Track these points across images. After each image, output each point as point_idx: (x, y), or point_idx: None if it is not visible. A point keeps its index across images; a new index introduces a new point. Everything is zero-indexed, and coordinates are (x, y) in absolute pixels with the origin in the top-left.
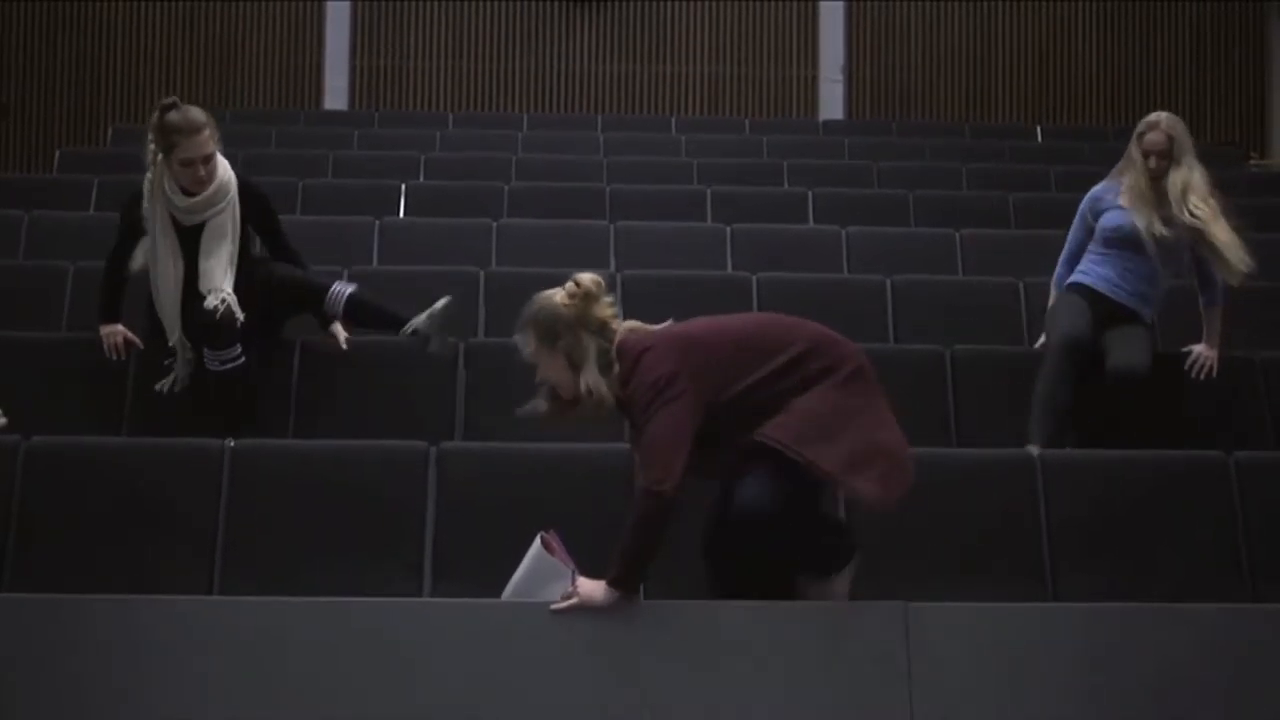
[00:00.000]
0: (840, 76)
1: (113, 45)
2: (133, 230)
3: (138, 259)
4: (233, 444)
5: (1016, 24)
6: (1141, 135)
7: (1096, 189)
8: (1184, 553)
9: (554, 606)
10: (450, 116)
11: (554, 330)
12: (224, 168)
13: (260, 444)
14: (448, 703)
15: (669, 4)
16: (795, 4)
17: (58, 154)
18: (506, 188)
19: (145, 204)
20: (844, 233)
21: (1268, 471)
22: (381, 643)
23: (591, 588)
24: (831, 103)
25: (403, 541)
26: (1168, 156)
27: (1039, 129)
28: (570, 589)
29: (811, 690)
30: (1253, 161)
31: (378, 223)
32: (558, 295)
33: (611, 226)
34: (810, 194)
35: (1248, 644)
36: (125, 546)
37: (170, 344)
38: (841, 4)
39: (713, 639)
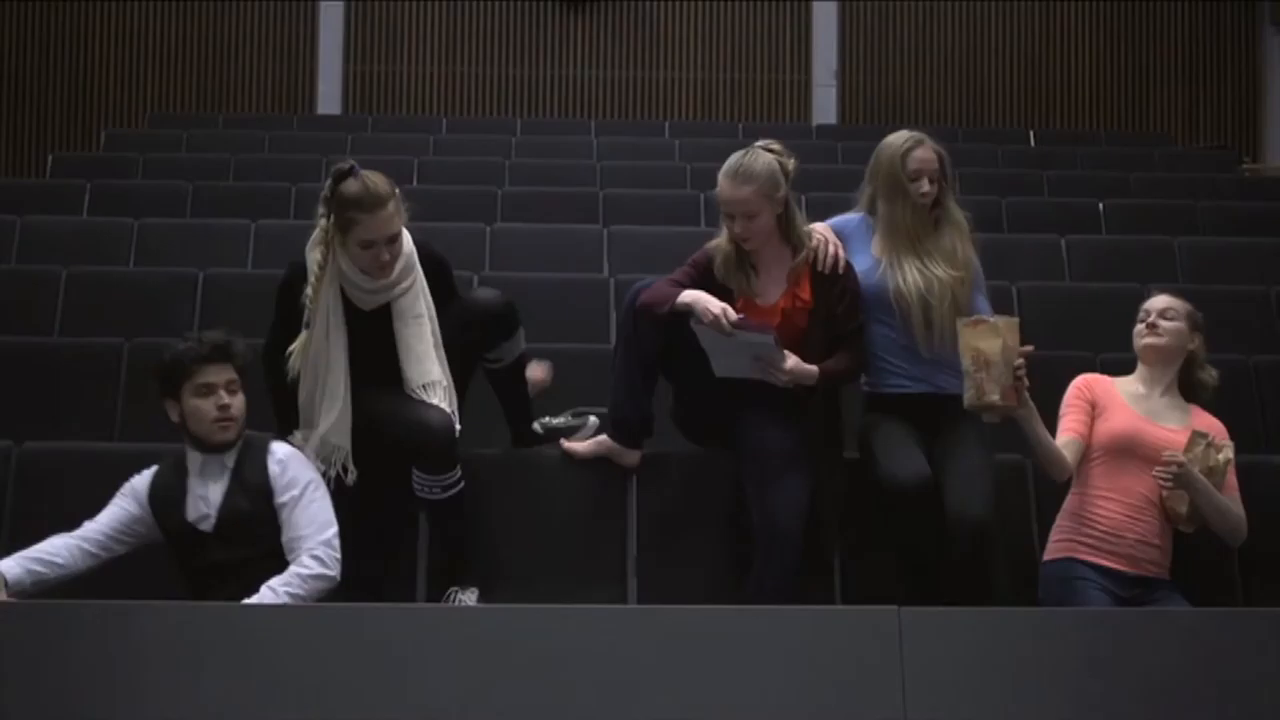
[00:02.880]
0: (833, 81)
1: (106, 49)
2: (291, 318)
3: (296, 361)
4: None
5: (1009, 28)
6: (907, 153)
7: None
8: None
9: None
10: (444, 121)
11: (777, 182)
12: (405, 240)
13: None
14: (442, 707)
15: (662, 8)
16: (788, 9)
17: (50, 158)
18: (500, 192)
19: (310, 286)
20: None
21: (1259, 474)
22: (376, 648)
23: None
24: (824, 107)
25: (396, 546)
26: (939, 181)
27: (1032, 133)
28: (777, 352)
29: (804, 696)
30: (1245, 166)
31: None
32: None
33: (605, 231)
34: (803, 198)
35: (1241, 647)
36: None
37: (326, 470)
38: (834, 7)
39: (707, 644)
